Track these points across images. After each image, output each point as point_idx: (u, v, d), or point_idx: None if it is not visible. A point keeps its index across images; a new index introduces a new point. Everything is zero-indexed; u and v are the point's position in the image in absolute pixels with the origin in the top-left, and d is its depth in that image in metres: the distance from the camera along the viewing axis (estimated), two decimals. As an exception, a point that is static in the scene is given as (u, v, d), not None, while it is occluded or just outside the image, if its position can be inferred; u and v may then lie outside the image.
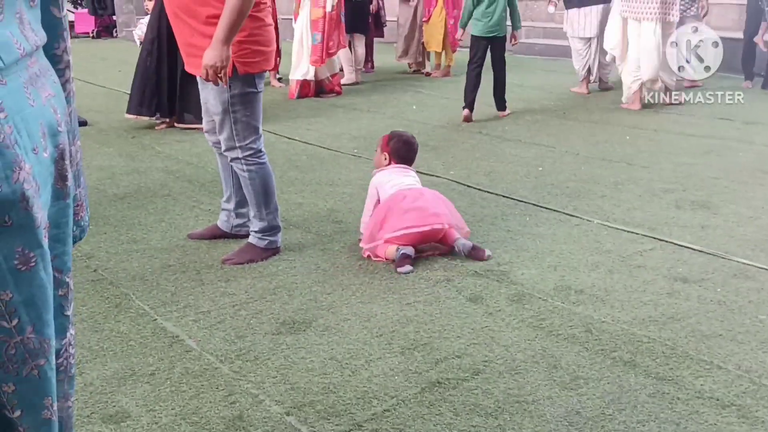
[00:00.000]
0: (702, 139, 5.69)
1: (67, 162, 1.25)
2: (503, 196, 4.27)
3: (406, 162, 3.58)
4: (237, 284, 3.07)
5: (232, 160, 3.22)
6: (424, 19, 9.08)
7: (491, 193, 4.34)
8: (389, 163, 3.55)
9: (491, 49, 6.51)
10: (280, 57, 8.37)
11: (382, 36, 10.18)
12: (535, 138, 5.81)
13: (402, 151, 3.57)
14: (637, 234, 3.62)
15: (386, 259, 3.25)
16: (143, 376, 2.36)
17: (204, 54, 2.90)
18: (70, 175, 1.26)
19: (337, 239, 3.59)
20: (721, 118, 6.47)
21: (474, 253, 3.28)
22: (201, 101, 3.30)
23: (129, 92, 6.17)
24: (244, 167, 3.19)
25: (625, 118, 6.54)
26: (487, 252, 3.31)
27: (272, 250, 3.34)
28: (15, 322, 1.11)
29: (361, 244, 3.39)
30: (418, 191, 3.42)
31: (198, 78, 3.14)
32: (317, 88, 7.96)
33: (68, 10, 1.63)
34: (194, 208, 4.10)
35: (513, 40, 6.73)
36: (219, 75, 2.91)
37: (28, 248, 1.10)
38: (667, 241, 3.51)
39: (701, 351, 2.49)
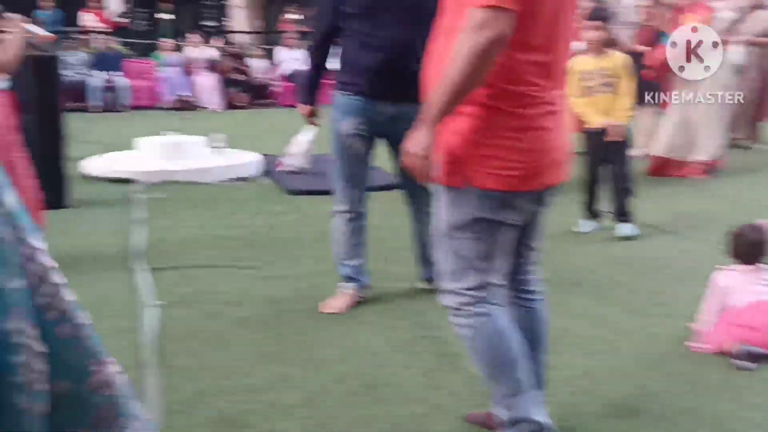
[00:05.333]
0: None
1: None
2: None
3: (748, 261, 3.05)
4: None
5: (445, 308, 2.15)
6: None
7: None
8: (735, 262, 3.07)
9: None
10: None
11: None
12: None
13: (741, 250, 3.06)
14: None
15: (721, 349, 2.84)
16: None
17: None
18: None
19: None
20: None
21: None
22: None
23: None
24: (459, 322, 2.12)
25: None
26: None
27: None
28: None
29: (695, 342, 2.95)
30: None
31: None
32: None
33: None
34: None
35: None
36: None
37: None
38: None
39: None
